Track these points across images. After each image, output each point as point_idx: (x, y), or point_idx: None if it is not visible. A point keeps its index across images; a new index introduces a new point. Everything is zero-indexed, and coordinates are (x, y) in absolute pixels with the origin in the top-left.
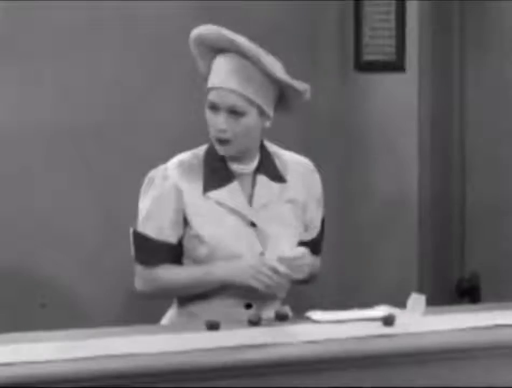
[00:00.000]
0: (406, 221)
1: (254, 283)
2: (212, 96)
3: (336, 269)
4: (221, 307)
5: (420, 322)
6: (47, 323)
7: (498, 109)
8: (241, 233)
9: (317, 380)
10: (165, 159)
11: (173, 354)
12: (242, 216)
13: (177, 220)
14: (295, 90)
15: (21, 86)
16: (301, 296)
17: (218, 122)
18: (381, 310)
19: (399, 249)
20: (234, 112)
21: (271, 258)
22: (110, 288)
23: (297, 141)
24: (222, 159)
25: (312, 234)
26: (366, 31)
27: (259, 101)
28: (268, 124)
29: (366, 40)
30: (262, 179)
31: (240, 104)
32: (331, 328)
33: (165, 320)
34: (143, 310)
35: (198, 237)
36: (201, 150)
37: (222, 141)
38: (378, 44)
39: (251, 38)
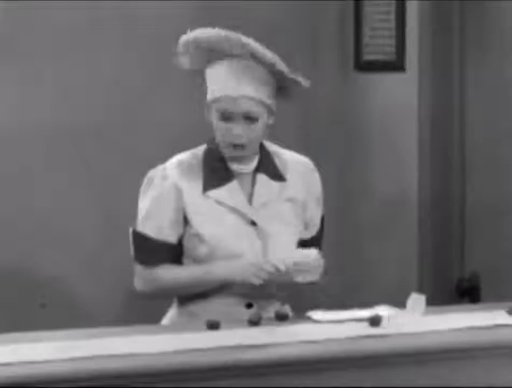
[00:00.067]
0: (406, 221)
1: (255, 281)
2: (225, 105)
3: (336, 269)
4: (221, 307)
5: (420, 322)
6: (47, 323)
7: (498, 109)
8: (241, 231)
9: (317, 380)
10: (165, 159)
11: (173, 354)
12: (242, 215)
13: (177, 220)
14: (296, 82)
15: (21, 86)
16: (300, 296)
17: (233, 130)
18: (381, 310)
19: (399, 249)
20: (249, 118)
21: (278, 258)
22: (110, 288)
23: (297, 140)
24: (222, 159)
25: (312, 232)
26: (366, 31)
27: (269, 102)
28: (272, 120)
29: (366, 40)
30: (262, 178)
31: (255, 109)
32: (331, 328)
33: (165, 320)
34: (143, 310)
35: (198, 236)
36: (200, 149)
37: (237, 146)
38: (378, 44)
39: (252, 38)
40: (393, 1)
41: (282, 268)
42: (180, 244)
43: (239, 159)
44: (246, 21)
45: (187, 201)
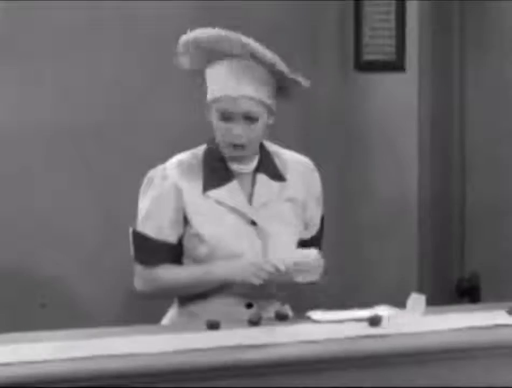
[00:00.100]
0: (406, 221)
1: (255, 281)
2: (225, 105)
3: (336, 269)
4: (221, 307)
5: (420, 322)
6: (47, 323)
7: (498, 109)
8: (241, 231)
9: (317, 380)
10: (165, 159)
11: (173, 354)
12: (242, 215)
13: (177, 220)
14: (296, 82)
15: (21, 86)
16: (300, 296)
17: (233, 130)
18: (381, 310)
19: (399, 249)
20: (249, 118)
21: (278, 257)
22: (110, 288)
23: (297, 140)
24: (222, 159)
25: (312, 232)
26: (366, 31)
27: (269, 102)
28: (272, 120)
29: (366, 40)
30: (262, 178)
31: (255, 109)
32: (331, 328)
33: (165, 320)
34: (143, 310)
35: (198, 236)
36: (200, 149)
37: (237, 146)
38: (378, 44)
39: (251, 38)
40: (393, 1)
41: (282, 268)
42: (180, 244)
43: (239, 159)
44: (246, 21)
45: (187, 201)
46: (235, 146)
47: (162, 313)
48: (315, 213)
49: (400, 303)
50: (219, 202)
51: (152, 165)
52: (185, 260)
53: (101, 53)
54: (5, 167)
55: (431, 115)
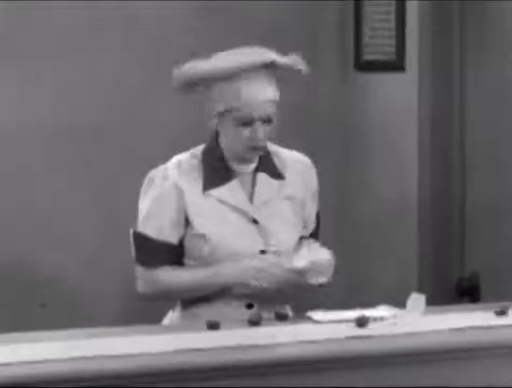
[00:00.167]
0: (406, 221)
1: (255, 283)
2: (245, 112)
3: (336, 269)
4: (222, 307)
5: (420, 322)
6: (47, 323)
7: (498, 109)
8: (243, 230)
9: (317, 380)
10: (165, 159)
11: (173, 354)
12: (243, 214)
13: (178, 220)
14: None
15: (21, 86)
16: (301, 296)
17: (256, 134)
18: (381, 310)
19: (399, 249)
20: (268, 120)
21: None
22: (110, 288)
23: (297, 140)
24: (222, 159)
25: (310, 229)
26: (366, 31)
27: (278, 98)
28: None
29: (366, 40)
30: (262, 177)
31: (274, 111)
32: (331, 328)
33: (166, 321)
34: (143, 310)
35: (200, 236)
36: (199, 149)
37: (258, 149)
38: (378, 44)
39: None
40: (393, 1)
41: (301, 268)
42: (181, 245)
43: (241, 159)
44: (246, 21)
45: (188, 201)
46: (255, 148)
47: (162, 313)
48: (312, 210)
49: (400, 303)
50: (221, 201)
51: (152, 165)
52: (185, 261)
53: (101, 53)
54: (5, 167)
55: (431, 115)
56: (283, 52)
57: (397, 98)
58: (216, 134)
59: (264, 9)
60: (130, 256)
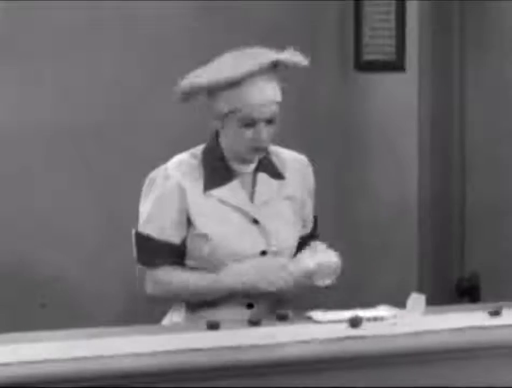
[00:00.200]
0: (406, 221)
1: (265, 287)
2: (250, 113)
3: None
4: (223, 307)
5: (420, 322)
6: (47, 323)
7: (498, 109)
8: (244, 230)
9: (317, 380)
10: (165, 159)
11: (173, 354)
12: (245, 214)
13: (180, 220)
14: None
15: (21, 86)
16: (301, 296)
17: (260, 135)
18: (381, 310)
19: (399, 249)
20: (271, 121)
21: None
22: (110, 288)
23: (297, 140)
24: (222, 159)
25: (309, 228)
26: (366, 31)
27: (281, 98)
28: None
29: (366, 40)
30: (262, 177)
31: (277, 111)
32: (331, 328)
33: (166, 321)
34: (143, 311)
35: (202, 236)
36: (199, 149)
37: (260, 149)
38: (378, 44)
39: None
40: (393, 1)
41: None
42: (183, 245)
43: (242, 159)
44: (246, 21)
45: (190, 201)
46: (258, 149)
47: (162, 313)
48: (310, 208)
49: (400, 303)
50: (222, 201)
51: (152, 165)
52: (187, 261)
53: (101, 53)
54: (5, 167)
55: (431, 115)
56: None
57: (397, 98)
58: (217, 134)
59: (264, 9)
60: (130, 256)
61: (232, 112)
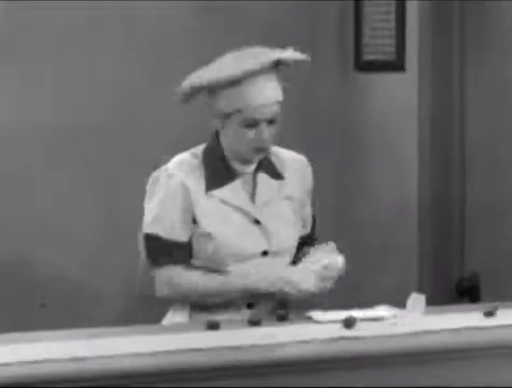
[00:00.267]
0: (406, 221)
1: (294, 292)
2: (251, 114)
3: None
4: (223, 307)
5: (420, 322)
6: (47, 323)
7: (498, 109)
8: (246, 230)
9: (317, 380)
10: (165, 159)
11: (173, 354)
12: (246, 214)
13: (186, 219)
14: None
15: (21, 86)
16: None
17: (262, 135)
18: (381, 310)
19: (399, 249)
20: (273, 121)
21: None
22: (110, 288)
23: (297, 140)
24: (223, 159)
25: (309, 228)
26: (366, 31)
27: (282, 98)
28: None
29: (366, 40)
30: (262, 177)
31: (278, 111)
32: (330, 329)
33: (166, 321)
34: (143, 311)
35: (206, 235)
36: (199, 149)
37: (262, 149)
38: (378, 44)
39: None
40: (393, 1)
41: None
42: (190, 243)
43: (242, 159)
44: (246, 21)
45: (194, 200)
46: (260, 149)
47: (162, 313)
48: (309, 208)
49: (400, 303)
50: (224, 202)
51: (153, 165)
52: (193, 260)
53: (101, 53)
54: (5, 167)
55: (431, 115)
56: None
57: (397, 98)
58: (217, 134)
59: (264, 9)
60: (130, 256)
61: (233, 113)
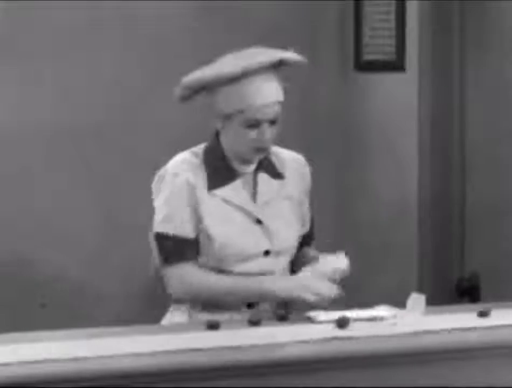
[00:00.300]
0: (406, 221)
1: (312, 299)
2: (253, 114)
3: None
4: (223, 307)
5: (420, 322)
6: (47, 323)
7: (498, 109)
8: (248, 230)
9: (317, 380)
10: (165, 159)
11: (173, 354)
12: (248, 213)
13: (194, 216)
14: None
15: (21, 86)
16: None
17: (263, 136)
18: (381, 310)
19: (399, 249)
20: (274, 121)
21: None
22: (110, 288)
23: (297, 140)
24: (223, 159)
25: (308, 227)
26: (366, 31)
27: (283, 98)
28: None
29: (366, 40)
30: (263, 177)
31: (280, 111)
32: (331, 329)
33: (166, 321)
34: (143, 311)
35: (208, 234)
36: (200, 148)
37: (263, 149)
38: (378, 44)
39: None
40: (393, 1)
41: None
42: (197, 240)
43: (243, 159)
44: (246, 21)
45: (199, 197)
46: (260, 150)
47: (162, 313)
48: (307, 208)
49: (400, 303)
50: (226, 201)
51: (153, 165)
52: (200, 258)
53: (101, 53)
54: (5, 167)
55: (431, 115)
56: None
57: (397, 98)
58: (217, 134)
59: (264, 9)
60: (130, 256)
61: (234, 113)
